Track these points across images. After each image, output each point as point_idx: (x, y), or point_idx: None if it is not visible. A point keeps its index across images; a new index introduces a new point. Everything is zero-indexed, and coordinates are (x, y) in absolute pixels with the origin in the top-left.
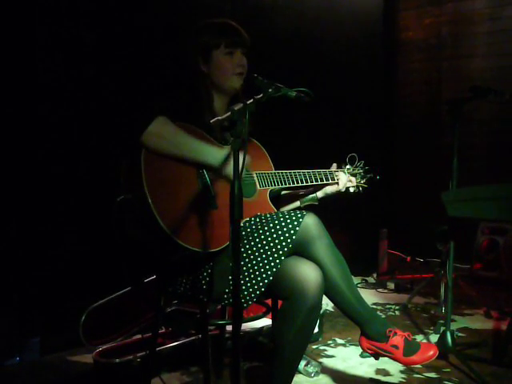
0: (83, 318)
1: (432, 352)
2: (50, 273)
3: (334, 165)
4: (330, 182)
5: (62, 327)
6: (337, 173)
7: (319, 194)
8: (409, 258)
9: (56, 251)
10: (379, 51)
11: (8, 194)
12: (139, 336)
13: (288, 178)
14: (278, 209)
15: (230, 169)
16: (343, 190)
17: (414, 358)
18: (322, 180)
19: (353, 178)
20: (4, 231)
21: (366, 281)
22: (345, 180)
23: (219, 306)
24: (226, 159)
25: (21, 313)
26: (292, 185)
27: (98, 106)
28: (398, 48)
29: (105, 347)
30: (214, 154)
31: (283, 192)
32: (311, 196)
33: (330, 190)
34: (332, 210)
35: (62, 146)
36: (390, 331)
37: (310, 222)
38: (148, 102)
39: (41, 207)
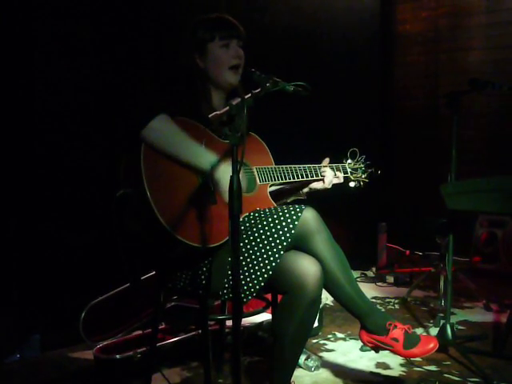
0: (83, 314)
1: (432, 345)
2: (50, 269)
3: (327, 159)
4: (315, 178)
5: (62, 324)
6: (323, 169)
7: (305, 189)
8: (408, 252)
9: (55, 247)
10: (376, 44)
11: (6, 190)
12: (139, 332)
13: (288, 172)
14: None
15: (219, 177)
16: (329, 186)
17: (415, 350)
18: (316, 175)
19: (340, 174)
20: (3, 228)
21: (365, 275)
22: (331, 177)
23: (218, 301)
24: (218, 166)
25: (21, 310)
26: (292, 179)
27: (97, 100)
28: (396, 41)
29: (105, 343)
30: (208, 159)
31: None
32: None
33: (314, 186)
34: (331, 204)
35: (62, 141)
36: (390, 324)
37: (309, 215)
38: (147, 97)
39: (39, 203)
